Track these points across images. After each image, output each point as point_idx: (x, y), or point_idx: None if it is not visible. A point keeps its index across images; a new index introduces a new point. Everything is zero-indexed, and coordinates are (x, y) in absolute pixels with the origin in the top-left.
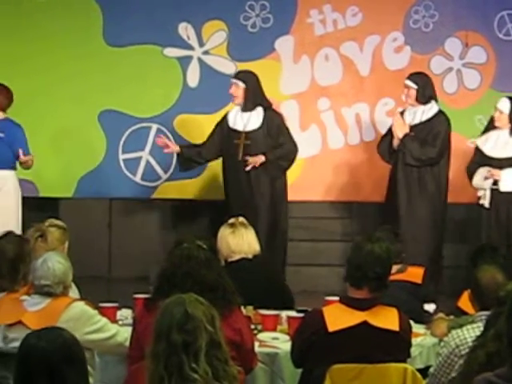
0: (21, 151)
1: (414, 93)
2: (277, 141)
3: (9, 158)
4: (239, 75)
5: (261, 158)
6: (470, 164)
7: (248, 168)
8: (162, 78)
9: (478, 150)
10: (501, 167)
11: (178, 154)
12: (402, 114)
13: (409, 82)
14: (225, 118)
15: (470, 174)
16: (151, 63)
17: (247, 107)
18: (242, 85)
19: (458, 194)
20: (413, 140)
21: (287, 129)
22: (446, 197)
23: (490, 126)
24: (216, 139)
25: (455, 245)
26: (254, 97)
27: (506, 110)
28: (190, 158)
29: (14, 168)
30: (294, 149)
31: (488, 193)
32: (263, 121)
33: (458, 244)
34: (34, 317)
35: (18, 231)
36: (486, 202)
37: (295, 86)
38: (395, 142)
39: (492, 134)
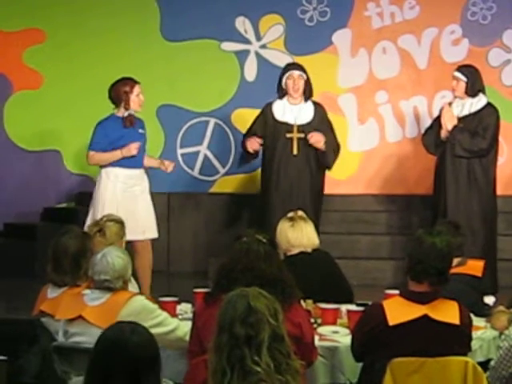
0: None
1: (463, 85)
2: (324, 135)
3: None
4: (299, 67)
5: (322, 139)
6: None
7: (311, 141)
8: (220, 73)
9: None
10: None
11: (248, 152)
12: (449, 105)
13: (458, 74)
14: (267, 111)
15: None
16: (209, 58)
17: (304, 99)
18: (305, 77)
19: None
20: (462, 131)
21: (332, 125)
22: (495, 189)
23: None
24: (259, 133)
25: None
26: (310, 90)
27: None
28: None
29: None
30: (339, 147)
31: None
32: (314, 114)
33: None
34: (95, 312)
35: (156, 228)
36: None
37: (353, 80)
38: (443, 134)
39: None
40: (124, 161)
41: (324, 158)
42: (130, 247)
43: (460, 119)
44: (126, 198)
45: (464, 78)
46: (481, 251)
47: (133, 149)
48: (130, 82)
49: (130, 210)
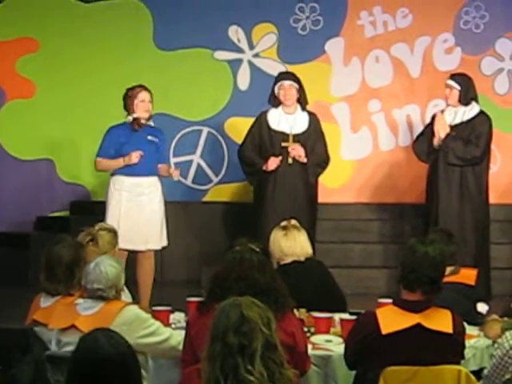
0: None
1: (456, 94)
2: (314, 146)
3: (156, 163)
4: (291, 77)
5: (303, 153)
6: None
7: (290, 157)
8: (213, 82)
9: None
10: None
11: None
12: (441, 113)
13: (452, 83)
14: (262, 120)
15: None
16: (202, 66)
17: (301, 109)
18: (296, 86)
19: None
20: (455, 139)
21: (324, 136)
22: (488, 197)
23: None
24: (257, 141)
25: (504, 246)
26: (304, 98)
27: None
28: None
29: (157, 174)
30: (328, 160)
31: None
32: (309, 123)
33: (507, 245)
34: (88, 321)
35: (164, 238)
36: None
37: (346, 88)
38: (436, 142)
39: None
40: (129, 169)
41: (306, 174)
42: (133, 256)
43: (452, 127)
44: (130, 207)
45: (457, 87)
46: (473, 260)
47: (133, 157)
48: (138, 87)
49: (134, 219)
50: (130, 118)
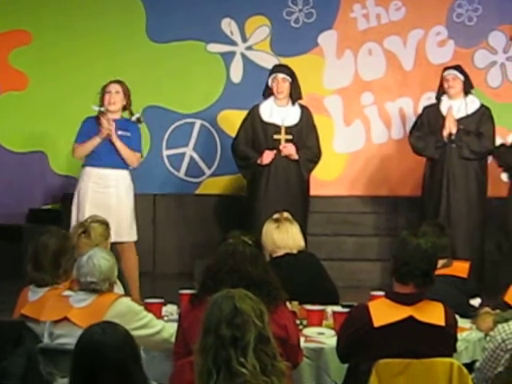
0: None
1: (460, 83)
2: (306, 140)
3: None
4: (285, 70)
5: (294, 151)
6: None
7: (283, 154)
8: (206, 74)
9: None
10: None
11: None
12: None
13: (455, 72)
14: (254, 113)
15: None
16: (194, 59)
17: (291, 102)
18: (289, 79)
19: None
20: (468, 133)
21: (316, 130)
22: (486, 191)
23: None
24: (250, 135)
25: (498, 239)
26: (296, 91)
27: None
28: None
29: (127, 168)
30: (319, 155)
31: None
32: (301, 116)
33: (502, 239)
34: (80, 313)
35: (133, 231)
36: None
37: (339, 81)
38: (446, 136)
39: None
40: (97, 160)
41: (299, 168)
42: (114, 249)
43: (458, 121)
44: (96, 199)
45: (461, 77)
46: (469, 253)
47: (105, 130)
48: (111, 81)
49: (101, 210)
50: (96, 109)
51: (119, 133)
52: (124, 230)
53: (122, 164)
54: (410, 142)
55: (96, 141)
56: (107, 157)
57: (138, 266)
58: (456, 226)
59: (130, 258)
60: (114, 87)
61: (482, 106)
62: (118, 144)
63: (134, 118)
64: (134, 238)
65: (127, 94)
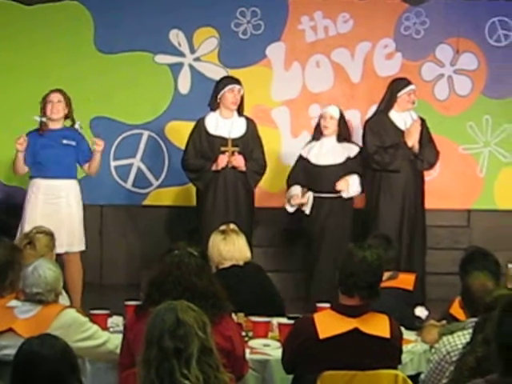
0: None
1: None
2: (252, 152)
3: (74, 167)
4: (239, 82)
5: (243, 163)
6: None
7: (230, 165)
8: (153, 85)
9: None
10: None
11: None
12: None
13: (413, 87)
14: (200, 125)
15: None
16: (142, 70)
17: (239, 114)
18: (242, 92)
19: (451, 200)
20: (424, 146)
21: (262, 142)
22: (424, 202)
23: (316, 134)
24: (198, 147)
25: (438, 251)
26: (243, 103)
27: (337, 116)
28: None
29: (76, 177)
30: (265, 167)
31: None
32: (247, 128)
33: (442, 251)
34: (25, 324)
35: (83, 241)
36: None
37: (286, 93)
38: (416, 148)
39: (316, 143)
40: (45, 171)
41: (247, 179)
42: (58, 260)
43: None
44: (47, 210)
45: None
46: (412, 265)
47: (18, 144)
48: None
49: (52, 222)
50: (38, 119)
51: (64, 142)
52: (76, 239)
53: (70, 174)
54: (370, 157)
55: (19, 156)
56: (54, 167)
57: (82, 276)
58: (395, 237)
59: (75, 268)
60: (56, 96)
61: (419, 117)
62: (98, 157)
63: (77, 126)
64: (83, 247)
65: (68, 102)
